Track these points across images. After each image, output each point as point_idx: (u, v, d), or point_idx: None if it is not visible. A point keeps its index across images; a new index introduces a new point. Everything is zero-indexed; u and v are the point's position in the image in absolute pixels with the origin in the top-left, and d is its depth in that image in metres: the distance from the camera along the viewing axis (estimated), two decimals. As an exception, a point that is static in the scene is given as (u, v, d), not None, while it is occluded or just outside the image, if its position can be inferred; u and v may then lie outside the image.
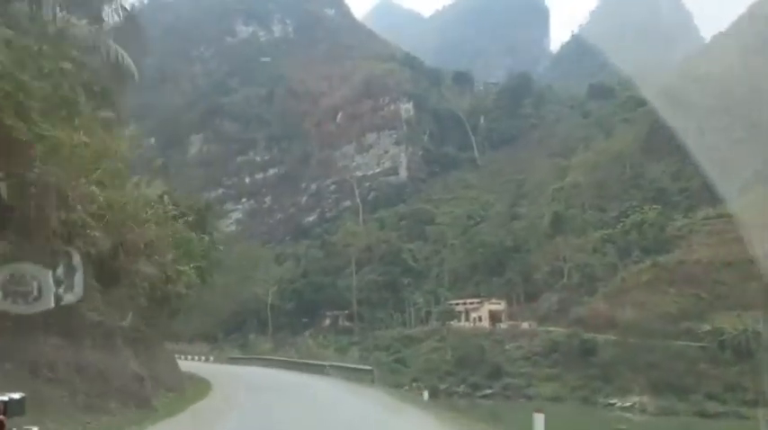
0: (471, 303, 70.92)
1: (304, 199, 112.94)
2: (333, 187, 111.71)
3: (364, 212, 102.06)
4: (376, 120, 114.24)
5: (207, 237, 35.99)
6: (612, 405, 48.40)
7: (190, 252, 27.25)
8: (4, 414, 1.92)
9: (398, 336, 70.05)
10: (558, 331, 60.09)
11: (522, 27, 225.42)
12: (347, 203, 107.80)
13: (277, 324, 78.93)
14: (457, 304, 71.87)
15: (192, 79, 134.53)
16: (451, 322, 68.46)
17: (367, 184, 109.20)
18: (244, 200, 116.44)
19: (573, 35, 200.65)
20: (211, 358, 60.82)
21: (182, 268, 25.07)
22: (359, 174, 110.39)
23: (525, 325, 64.80)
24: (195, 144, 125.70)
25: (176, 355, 58.17)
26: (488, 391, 55.65)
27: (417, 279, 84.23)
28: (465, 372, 58.10)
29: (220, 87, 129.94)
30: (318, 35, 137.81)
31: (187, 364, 47.59)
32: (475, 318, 69.35)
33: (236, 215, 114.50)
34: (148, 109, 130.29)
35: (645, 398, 46.64)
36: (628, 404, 47.46)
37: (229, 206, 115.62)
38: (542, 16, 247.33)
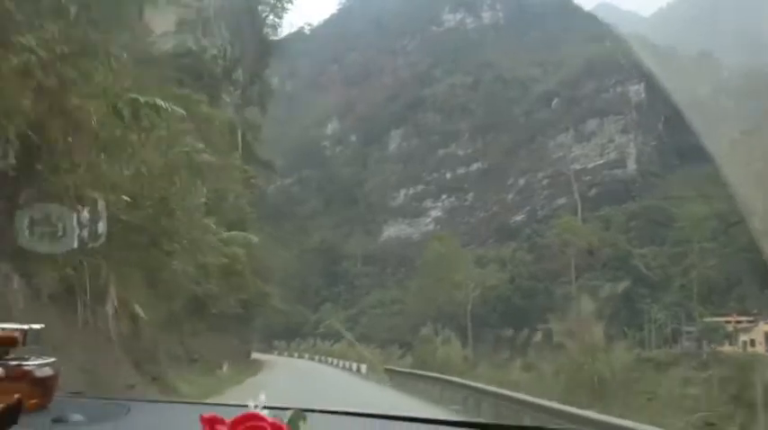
0: (739, 322, 53.50)
1: (510, 196, 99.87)
2: (545, 182, 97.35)
3: (584, 211, 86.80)
4: (599, 104, 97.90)
5: None
6: None
7: None
8: (24, 342, 1.97)
9: (634, 359, 54.50)
10: None
11: (759, 21, 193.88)
12: (562, 201, 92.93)
13: (477, 335, 67.06)
14: (718, 322, 54.78)
15: (393, 72, 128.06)
16: (712, 345, 51.84)
17: (587, 179, 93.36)
18: (444, 197, 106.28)
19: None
20: (363, 368, 41.31)
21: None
22: (577, 166, 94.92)
23: (827, 356, 46.81)
24: (395, 139, 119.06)
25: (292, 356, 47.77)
26: (784, 448, 39.10)
27: (654, 290, 68.03)
28: (745, 416, 41.57)
29: (423, 79, 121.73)
30: (531, 19, 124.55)
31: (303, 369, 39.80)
32: (745, 342, 51.93)
33: (436, 213, 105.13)
34: (351, 105, 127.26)
35: None
36: None
37: (428, 203, 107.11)
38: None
